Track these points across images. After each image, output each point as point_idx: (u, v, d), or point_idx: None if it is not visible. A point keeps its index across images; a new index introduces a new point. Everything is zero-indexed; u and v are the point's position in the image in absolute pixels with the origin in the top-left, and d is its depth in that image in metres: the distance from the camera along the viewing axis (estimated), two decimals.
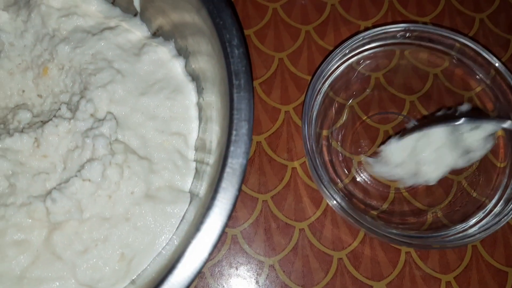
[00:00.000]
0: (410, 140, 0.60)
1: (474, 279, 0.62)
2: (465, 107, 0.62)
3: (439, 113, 0.61)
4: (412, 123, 0.63)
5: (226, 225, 0.43)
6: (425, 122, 0.60)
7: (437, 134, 0.58)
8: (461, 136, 0.59)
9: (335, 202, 0.56)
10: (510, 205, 0.55)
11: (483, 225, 0.56)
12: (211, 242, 0.43)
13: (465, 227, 0.57)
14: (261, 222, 0.63)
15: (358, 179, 0.65)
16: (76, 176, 0.50)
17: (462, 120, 0.57)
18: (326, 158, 0.64)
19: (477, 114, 0.59)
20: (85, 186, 0.50)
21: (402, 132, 0.60)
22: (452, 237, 0.55)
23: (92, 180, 0.50)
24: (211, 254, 0.43)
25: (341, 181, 0.64)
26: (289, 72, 0.69)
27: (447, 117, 0.59)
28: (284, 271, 0.62)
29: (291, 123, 0.67)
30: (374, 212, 0.62)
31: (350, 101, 0.67)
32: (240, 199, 0.64)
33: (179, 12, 0.56)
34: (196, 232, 0.43)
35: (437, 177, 0.60)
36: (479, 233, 0.55)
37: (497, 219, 0.55)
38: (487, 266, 0.62)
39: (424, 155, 0.59)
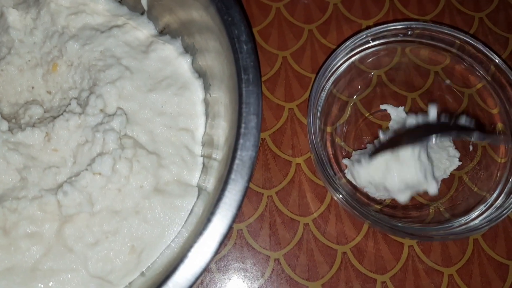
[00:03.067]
0: (380, 162, 0.59)
1: (476, 272, 0.63)
2: (432, 112, 0.60)
3: (410, 122, 0.60)
4: (383, 138, 0.62)
5: (236, 216, 0.44)
6: (395, 140, 0.59)
7: (407, 156, 0.57)
8: (430, 158, 0.60)
9: (340, 195, 0.57)
10: (511, 198, 0.57)
11: (485, 218, 0.57)
12: (222, 232, 0.44)
13: (468, 220, 0.58)
14: (266, 217, 0.64)
15: None
16: (86, 169, 0.51)
17: (432, 138, 0.56)
18: (331, 153, 0.65)
19: (445, 127, 0.58)
20: (96, 180, 0.51)
21: (371, 151, 0.59)
22: (455, 230, 0.57)
23: (103, 173, 0.51)
24: (222, 243, 0.44)
25: (345, 176, 0.65)
26: (293, 70, 0.71)
27: (417, 134, 0.58)
28: (289, 265, 0.63)
29: (295, 120, 0.68)
30: (378, 206, 0.63)
31: (353, 98, 0.68)
32: None
33: (187, 10, 0.57)
34: (207, 223, 0.44)
35: (406, 199, 0.60)
36: (481, 225, 0.56)
37: (499, 211, 0.56)
38: (488, 259, 0.63)
39: (393, 181, 0.58)
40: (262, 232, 0.64)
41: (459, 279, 0.63)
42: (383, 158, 0.58)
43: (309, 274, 0.62)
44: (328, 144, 0.66)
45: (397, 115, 0.66)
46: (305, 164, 0.67)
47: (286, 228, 0.64)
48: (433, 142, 0.55)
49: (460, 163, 0.64)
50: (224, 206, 0.44)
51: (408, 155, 0.57)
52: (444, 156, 0.62)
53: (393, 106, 0.66)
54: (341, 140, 0.67)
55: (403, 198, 0.59)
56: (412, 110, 0.68)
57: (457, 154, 0.64)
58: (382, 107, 0.67)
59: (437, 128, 0.57)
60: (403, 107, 0.67)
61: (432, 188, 0.59)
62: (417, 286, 0.62)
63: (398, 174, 0.58)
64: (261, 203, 0.65)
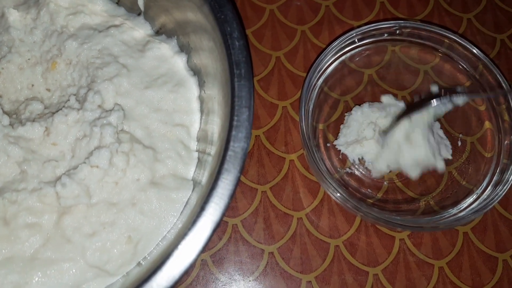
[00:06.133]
0: (393, 145, 0.62)
1: (466, 264, 0.64)
2: (434, 88, 0.66)
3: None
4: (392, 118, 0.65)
5: (229, 204, 0.46)
6: (402, 115, 0.63)
7: (418, 138, 0.61)
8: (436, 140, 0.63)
9: (332, 190, 0.59)
10: (498, 188, 0.58)
11: (474, 208, 0.58)
12: (215, 219, 0.45)
13: (456, 212, 0.59)
14: (260, 212, 0.66)
15: (353, 170, 0.67)
16: (84, 162, 0.52)
17: (434, 102, 0.60)
18: (323, 150, 0.67)
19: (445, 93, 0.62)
20: (93, 172, 0.52)
21: (386, 128, 0.63)
22: (444, 220, 0.58)
23: (100, 166, 0.52)
24: (215, 230, 0.45)
25: (337, 172, 0.66)
26: (286, 69, 0.73)
27: (419, 105, 0.62)
28: (283, 258, 0.64)
29: (288, 117, 0.70)
30: (370, 200, 0.65)
31: (345, 96, 0.70)
32: (240, 190, 0.67)
33: (182, 10, 0.59)
34: (201, 211, 0.45)
35: (417, 175, 0.63)
36: (469, 215, 0.57)
37: (486, 201, 0.58)
38: (478, 252, 0.65)
39: (406, 159, 0.62)
40: (256, 227, 0.65)
41: (449, 271, 0.64)
42: (396, 142, 0.62)
43: (303, 267, 0.64)
44: (321, 141, 0.68)
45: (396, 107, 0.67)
46: (298, 160, 0.68)
47: (280, 222, 0.65)
48: (433, 105, 0.60)
49: (451, 158, 0.66)
50: (217, 194, 0.46)
51: (419, 138, 0.61)
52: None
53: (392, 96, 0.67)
54: (333, 137, 0.68)
55: (414, 174, 0.63)
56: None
57: (450, 151, 0.66)
58: (382, 98, 0.68)
59: (434, 97, 0.62)
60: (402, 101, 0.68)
61: (440, 165, 0.62)
62: (408, 278, 0.64)
63: (410, 153, 0.61)
64: (256, 198, 0.66)
